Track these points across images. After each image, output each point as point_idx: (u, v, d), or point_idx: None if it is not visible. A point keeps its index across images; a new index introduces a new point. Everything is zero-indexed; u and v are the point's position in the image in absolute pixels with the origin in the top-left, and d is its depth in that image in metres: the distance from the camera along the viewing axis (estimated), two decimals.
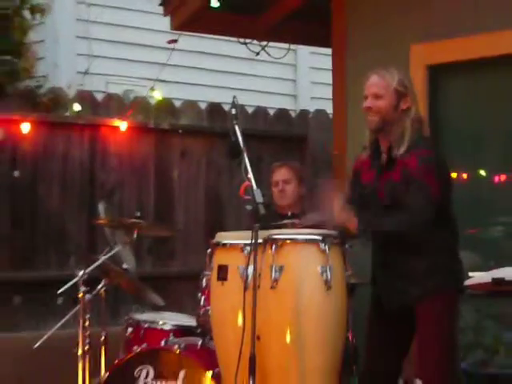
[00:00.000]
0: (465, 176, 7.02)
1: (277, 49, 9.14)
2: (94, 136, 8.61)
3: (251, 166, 5.31)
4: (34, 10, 8.57)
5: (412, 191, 5.09)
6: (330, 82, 7.96)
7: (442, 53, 7.21)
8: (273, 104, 10.23)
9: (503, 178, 6.98)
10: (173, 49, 8.67)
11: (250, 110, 9.38)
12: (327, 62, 8.14)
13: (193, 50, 9.94)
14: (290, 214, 6.60)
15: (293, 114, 10.04)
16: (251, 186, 5.22)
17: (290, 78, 11.89)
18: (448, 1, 7.13)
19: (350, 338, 5.69)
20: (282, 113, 9.93)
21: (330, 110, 8.18)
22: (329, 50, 8.09)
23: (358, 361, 5.77)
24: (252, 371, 4.87)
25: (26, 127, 8.01)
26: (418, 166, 5.12)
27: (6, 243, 8.12)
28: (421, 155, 5.17)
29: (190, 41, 8.99)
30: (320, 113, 9.62)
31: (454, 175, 6.19)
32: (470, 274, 5.46)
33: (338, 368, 5.34)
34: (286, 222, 6.16)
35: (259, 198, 5.17)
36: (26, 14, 8.53)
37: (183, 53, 9.44)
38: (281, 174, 6.84)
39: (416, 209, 5.09)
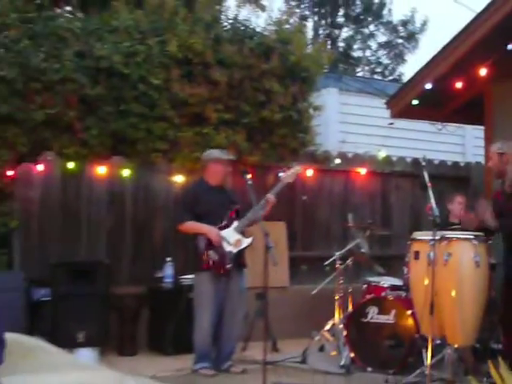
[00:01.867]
0: None
1: (451, 126, 9.00)
2: (347, 177, 8.65)
3: (434, 195, 5.35)
4: (315, 108, 8.70)
5: None
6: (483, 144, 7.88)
7: None
8: (449, 158, 9.96)
9: None
10: (391, 128, 8.69)
11: (436, 162, 9.22)
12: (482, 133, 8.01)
13: (403, 128, 9.81)
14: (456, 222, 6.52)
15: (461, 165, 9.77)
16: (432, 207, 5.24)
17: (460, 143, 11.48)
18: None
19: (492, 294, 5.54)
20: (455, 164, 9.68)
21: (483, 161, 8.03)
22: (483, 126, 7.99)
23: (497, 308, 5.64)
24: (431, 312, 4.94)
25: (310, 172, 8.20)
26: None
27: (298, 236, 8.26)
28: None
29: (400, 122, 8.90)
30: (478, 164, 9.28)
31: None
32: None
33: (483, 312, 5.30)
34: (454, 227, 6.11)
35: (437, 213, 5.19)
36: (311, 111, 8.68)
37: (397, 129, 9.36)
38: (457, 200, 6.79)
39: None
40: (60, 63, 7.03)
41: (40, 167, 6.94)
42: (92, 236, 7.17)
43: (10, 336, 4.41)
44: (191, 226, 5.82)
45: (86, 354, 6.25)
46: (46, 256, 6.79)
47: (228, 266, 5.75)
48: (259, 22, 8.61)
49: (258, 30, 8.38)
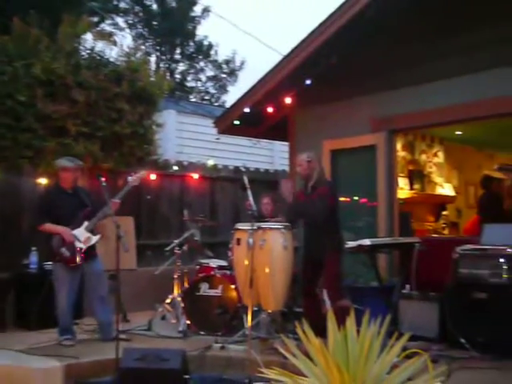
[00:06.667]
0: (344, 199, 6.99)
1: (264, 141, 9.16)
2: (183, 181, 8.55)
3: (252, 194, 5.37)
4: (157, 125, 8.49)
5: (319, 200, 5.12)
6: (288, 156, 8.04)
7: (336, 144, 7.22)
8: (262, 166, 10.16)
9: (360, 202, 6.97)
10: (217, 142, 8.67)
11: (252, 169, 9.35)
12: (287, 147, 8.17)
13: (227, 142, 9.76)
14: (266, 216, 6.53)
15: (271, 171, 9.99)
16: (251, 204, 5.27)
17: (270, 154, 11.51)
18: (337, 119, 7.15)
19: (296, 270, 5.64)
20: (266, 171, 9.89)
21: (288, 169, 8.20)
22: (287, 142, 8.15)
23: (299, 281, 5.73)
24: (251, 286, 4.92)
25: (153, 176, 7.97)
26: (328, 192, 5.18)
27: (144, 228, 7.98)
28: (330, 187, 5.26)
29: (225, 138, 8.91)
30: (283, 171, 9.53)
31: (340, 199, 6.14)
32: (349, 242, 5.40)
33: (289, 284, 5.37)
34: (268, 219, 6.14)
35: (254, 208, 5.23)
36: (154, 127, 8.46)
37: (223, 143, 9.32)
38: (266, 200, 6.79)
39: (319, 206, 5.11)
40: None
41: None
42: None
43: None
44: (48, 227, 5.50)
45: None
46: None
47: (78, 260, 5.50)
48: (112, 53, 8.38)
49: (111, 59, 8.17)
